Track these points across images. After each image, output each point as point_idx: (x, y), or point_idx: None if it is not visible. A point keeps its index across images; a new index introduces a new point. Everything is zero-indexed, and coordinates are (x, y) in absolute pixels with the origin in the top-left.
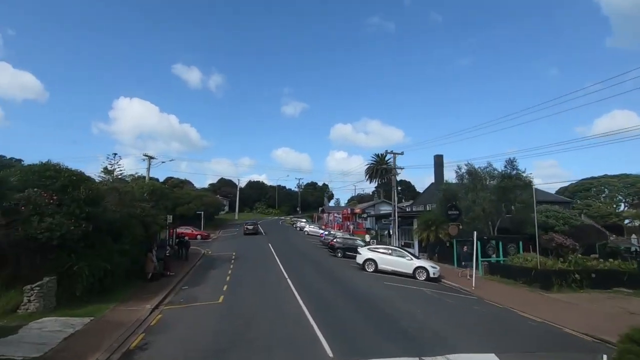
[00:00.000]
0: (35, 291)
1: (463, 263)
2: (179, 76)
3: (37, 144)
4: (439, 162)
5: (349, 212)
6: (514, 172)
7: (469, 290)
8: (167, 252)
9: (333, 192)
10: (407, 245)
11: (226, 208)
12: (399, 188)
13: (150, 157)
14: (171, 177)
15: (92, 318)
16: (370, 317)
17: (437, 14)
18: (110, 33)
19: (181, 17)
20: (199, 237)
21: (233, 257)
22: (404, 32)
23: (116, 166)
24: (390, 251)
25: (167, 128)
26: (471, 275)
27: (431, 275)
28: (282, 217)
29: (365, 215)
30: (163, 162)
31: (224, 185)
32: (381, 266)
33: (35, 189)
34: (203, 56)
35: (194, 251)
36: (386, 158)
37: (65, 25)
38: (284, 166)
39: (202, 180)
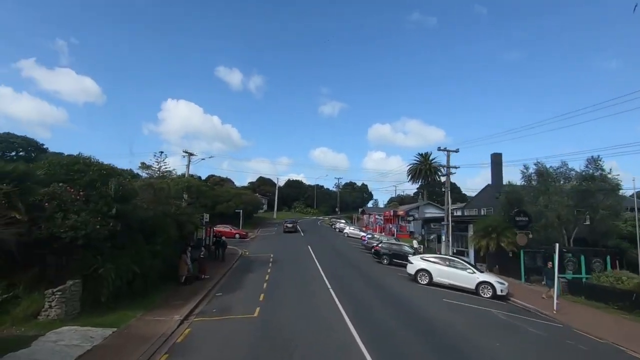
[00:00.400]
0: (57, 296)
1: (543, 282)
2: (222, 78)
3: (95, 144)
4: (496, 161)
5: (392, 214)
6: (598, 172)
7: (550, 315)
8: (202, 253)
9: (372, 193)
10: (459, 254)
11: (264, 207)
12: (442, 190)
13: (190, 154)
14: (212, 175)
15: (114, 330)
16: (438, 351)
17: (481, 6)
18: (159, 40)
19: (223, 20)
20: (237, 236)
21: (271, 259)
22: (446, 27)
23: (162, 164)
24: (447, 262)
25: (211, 128)
26: (550, 296)
27: (498, 292)
28: (320, 217)
29: (410, 218)
30: (203, 159)
31: (263, 184)
32: (436, 279)
33: (61, 184)
34: (243, 58)
35: (231, 251)
36: (430, 157)
37: (119, 34)
38: (322, 166)
39: (242, 178)
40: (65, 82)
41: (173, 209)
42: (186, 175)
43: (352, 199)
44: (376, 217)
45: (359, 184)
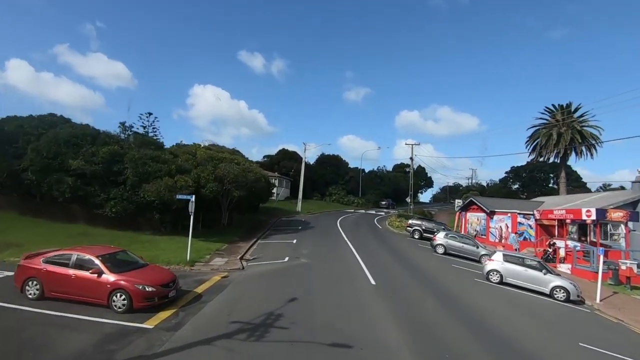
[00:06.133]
0: None
1: None
2: (245, 63)
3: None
4: None
5: (594, 215)
6: None
7: None
8: None
9: (432, 178)
10: None
11: (277, 191)
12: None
13: None
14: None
15: None
16: None
17: None
18: (183, 24)
19: (242, 3)
20: (114, 301)
21: None
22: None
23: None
24: None
25: (237, 113)
26: None
27: None
28: (373, 211)
29: (631, 227)
30: None
31: (285, 159)
32: None
33: None
34: (264, 42)
35: None
36: (577, 112)
37: (146, 19)
38: (351, 154)
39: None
40: (98, 67)
41: None
42: None
43: (407, 184)
44: (519, 220)
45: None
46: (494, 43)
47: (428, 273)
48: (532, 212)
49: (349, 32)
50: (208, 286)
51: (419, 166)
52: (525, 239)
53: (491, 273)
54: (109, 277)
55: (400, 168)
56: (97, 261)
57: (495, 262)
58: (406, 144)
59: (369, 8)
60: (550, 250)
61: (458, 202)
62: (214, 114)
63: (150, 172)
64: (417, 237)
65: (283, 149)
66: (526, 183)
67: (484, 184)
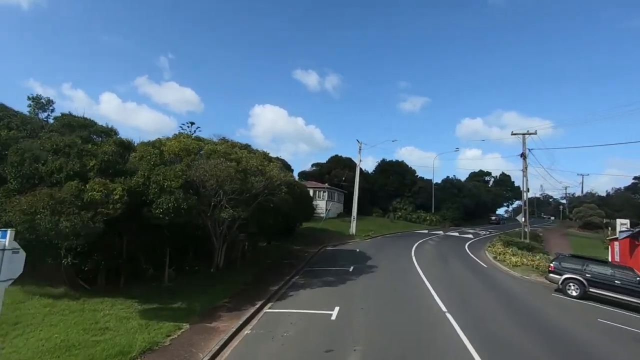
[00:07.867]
0: None
1: None
2: (300, 80)
3: None
4: None
5: None
6: None
7: None
8: None
9: (519, 187)
10: None
11: (326, 206)
12: None
13: None
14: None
15: None
16: None
17: None
18: (242, 49)
19: (292, 24)
20: None
21: None
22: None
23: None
24: None
25: (295, 130)
26: None
27: None
28: (455, 233)
29: None
30: None
31: (338, 167)
32: None
33: None
34: (317, 59)
35: None
36: None
37: (209, 47)
38: (412, 166)
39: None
40: (171, 94)
41: None
42: None
43: (490, 197)
44: None
45: (493, 173)
46: (562, 37)
47: None
48: None
49: (400, 42)
50: None
51: (502, 174)
52: None
53: None
54: None
55: (478, 177)
56: None
57: None
58: (513, 134)
59: (419, 16)
60: None
61: (622, 223)
62: (274, 132)
63: (43, 173)
64: (574, 294)
65: (335, 155)
66: None
67: (600, 194)
